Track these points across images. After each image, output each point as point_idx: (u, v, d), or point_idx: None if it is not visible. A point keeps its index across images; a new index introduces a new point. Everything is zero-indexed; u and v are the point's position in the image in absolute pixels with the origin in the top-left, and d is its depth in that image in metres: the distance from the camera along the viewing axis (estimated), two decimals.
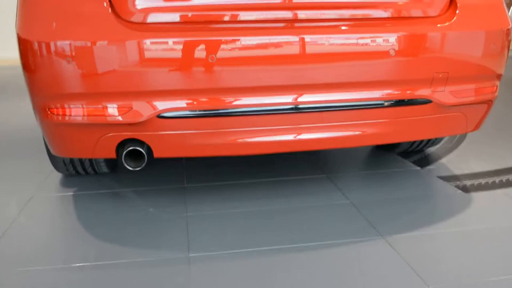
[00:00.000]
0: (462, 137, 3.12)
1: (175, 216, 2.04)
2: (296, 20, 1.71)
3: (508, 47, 1.92)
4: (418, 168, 2.58)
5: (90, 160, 2.37)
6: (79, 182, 2.44)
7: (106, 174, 2.54)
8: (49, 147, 1.90)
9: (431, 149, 2.87)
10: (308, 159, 2.73)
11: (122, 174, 2.57)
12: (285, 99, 1.70)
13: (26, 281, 1.60)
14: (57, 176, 2.53)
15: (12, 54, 8.16)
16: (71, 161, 2.35)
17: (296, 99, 1.71)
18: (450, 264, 1.67)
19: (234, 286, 1.55)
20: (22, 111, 4.04)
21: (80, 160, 2.35)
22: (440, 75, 1.78)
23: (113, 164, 2.52)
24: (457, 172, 2.51)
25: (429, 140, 2.66)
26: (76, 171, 2.45)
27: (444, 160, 2.68)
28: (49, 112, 1.69)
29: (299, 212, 2.05)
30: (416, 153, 2.80)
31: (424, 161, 2.68)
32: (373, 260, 1.69)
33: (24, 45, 1.64)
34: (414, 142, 2.66)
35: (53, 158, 2.35)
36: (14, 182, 2.48)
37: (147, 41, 1.58)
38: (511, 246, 1.77)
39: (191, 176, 2.49)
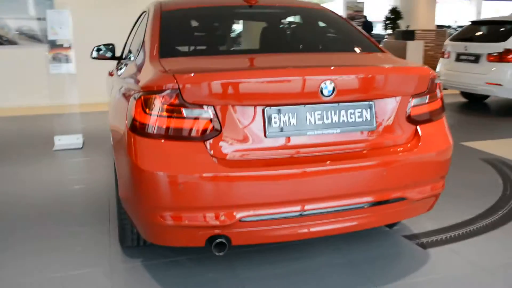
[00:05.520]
0: None
1: (231, 278, 2.86)
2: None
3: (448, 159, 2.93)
4: (388, 229, 3.55)
5: None
6: (138, 253, 3.19)
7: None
8: (146, 236, 2.67)
9: None
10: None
11: None
12: (318, 206, 2.57)
13: None
14: (117, 248, 3.25)
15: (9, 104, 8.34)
16: (138, 236, 3.10)
17: (320, 206, 2.56)
18: None
19: None
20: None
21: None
22: (411, 183, 2.75)
23: None
24: (415, 231, 3.52)
25: None
26: (138, 243, 3.19)
27: (404, 220, 3.67)
28: (160, 218, 2.47)
29: (310, 272, 2.95)
30: None
31: None
32: None
33: (147, 175, 2.42)
34: None
35: (122, 234, 3.11)
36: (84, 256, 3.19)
37: (234, 174, 2.42)
38: None
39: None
